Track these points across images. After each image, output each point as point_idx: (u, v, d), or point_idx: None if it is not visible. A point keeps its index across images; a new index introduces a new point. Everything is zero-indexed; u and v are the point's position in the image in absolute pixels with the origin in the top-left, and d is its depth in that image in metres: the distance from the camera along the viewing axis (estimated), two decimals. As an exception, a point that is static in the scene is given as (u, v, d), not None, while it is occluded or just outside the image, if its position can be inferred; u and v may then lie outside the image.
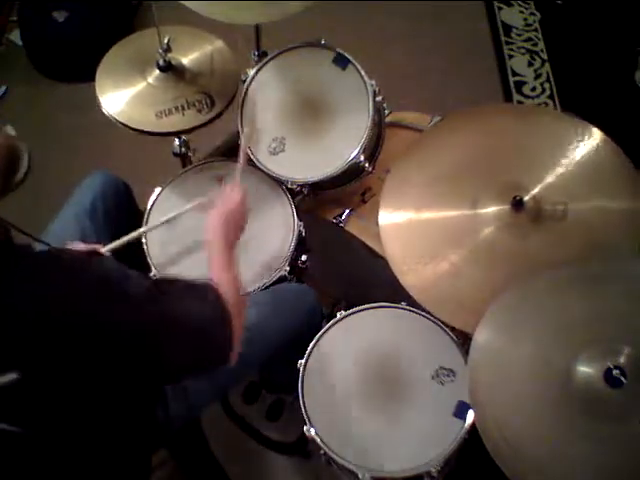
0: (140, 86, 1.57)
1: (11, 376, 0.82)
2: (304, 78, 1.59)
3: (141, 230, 1.47)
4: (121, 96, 1.56)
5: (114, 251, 1.37)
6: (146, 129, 1.53)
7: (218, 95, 1.57)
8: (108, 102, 1.55)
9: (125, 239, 1.40)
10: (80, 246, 1.32)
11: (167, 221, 1.49)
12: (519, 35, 2.64)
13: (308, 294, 1.48)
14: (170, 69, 1.57)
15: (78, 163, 2.21)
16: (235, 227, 1.25)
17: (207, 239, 1.20)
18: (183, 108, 1.55)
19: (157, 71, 1.57)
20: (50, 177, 2.04)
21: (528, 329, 1.11)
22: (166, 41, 1.53)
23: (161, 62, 1.56)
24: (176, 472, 1.69)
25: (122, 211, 1.57)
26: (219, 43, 1.65)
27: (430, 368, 1.32)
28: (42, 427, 0.88)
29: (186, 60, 1.61)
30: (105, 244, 1.39)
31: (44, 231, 1.46)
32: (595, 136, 1.30)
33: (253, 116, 1.57)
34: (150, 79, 1.57)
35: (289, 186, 1.55)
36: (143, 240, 1.51)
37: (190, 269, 1.49)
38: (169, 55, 1.56)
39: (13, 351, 0.83)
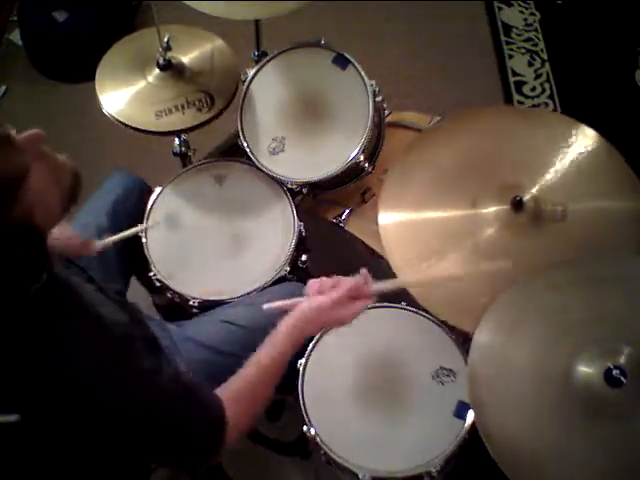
0: (140, 85, 1.57)
1: (12, 417, 0.85)
2: (304, 78, 1.59)
3: (137, 228, 1.46)
4: (121, 95, 1.56)
5: (115, 244, 1.37)
6: (146, 128, 1.53)
7: (218, 94, 1.57)
8: (108, 101, 1.55)
9: (119, 236, 1.39)
10: (70, 235, 1.29)
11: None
12: (519, 35, 2.64)
13: (308, 294, 1.48)
14: (170, 68, 1.57)
15: (78, 163, 2.20)
16: (323, 327, 1.18)
17: (292, 316, 1.11)
18: (183, 107, 1.55)
19: (157, 70, 1.57)
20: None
21: (528, 329, 1.11)
22: (166, 40, 1.52)
23: (161, 61, 1.56)
24: (176, 472, 1.69)
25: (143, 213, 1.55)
26: (219, 42, 1.64)
27: (430, 368, 1.32)
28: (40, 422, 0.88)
29: (186, 59, 1.60)
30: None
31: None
32: (594, 137, 1.30)
33: (253, 116, 1.58)
34: (150, 78, 1.57)
35: (289, 186, 1.55)
36: (143, 240, 1.51)
37: (190, 269, 1.49)
38: (169, 54, 1.55)
39: (20, 395, 0.86)
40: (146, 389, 0.93)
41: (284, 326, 1.09)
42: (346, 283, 1.10)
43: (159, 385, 0.95)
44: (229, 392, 1.04)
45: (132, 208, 1.53)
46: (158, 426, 0.94)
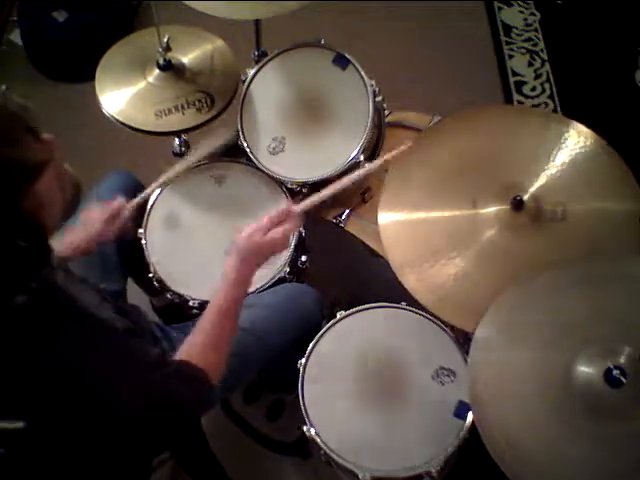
0: (140, 85, 1.57)
1: (18, 424, 0.87)
2: (304, 78, 1.59)
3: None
4: (121, 95, 1.55)
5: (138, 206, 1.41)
6: (146, 129, 1.53)
7: (218, 94, 1.57)
8: (108, 101, 1.55)
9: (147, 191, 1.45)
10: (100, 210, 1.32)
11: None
12: (519, 35, 2.64)
13: (308, 294, 1.48)
14: (170, 68, 1.57)
15: (78, 163, 2.19)
16: (261, 257, 1.19)
17: (228, 259, 1.17)
18: (183, 107, 1.54)
19: (157, 70, 1.57)
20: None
21: (528, 329, 1.12)
22: (166, 40, 1.52)
23: (161, 61, 1.55)
24: (176, 472, 1.69)
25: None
26: (219, 42, 1.64)
27: (430, 368, 1.32)
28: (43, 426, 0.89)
29: (186, 59, 1.60)
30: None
31: (57, 232, 1.45)
32: (592, 137, 1.30)
33: (253, 116, 1.58)
34: (150, 78, 1.57)
35: (289, 186, 1.55)
36: (143, 241, 1.51)
37: (190, 270, 1.49)
38: (169, 54, 1.55)
39: (27, 403, 0.88)
40: (143, 381, 0.96)
41: (225, 274, 1.14)
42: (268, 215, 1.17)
43: (154, 375, 0.99)
44: (196, 347, 1.10)
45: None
46: (155, 408, 0.97)
